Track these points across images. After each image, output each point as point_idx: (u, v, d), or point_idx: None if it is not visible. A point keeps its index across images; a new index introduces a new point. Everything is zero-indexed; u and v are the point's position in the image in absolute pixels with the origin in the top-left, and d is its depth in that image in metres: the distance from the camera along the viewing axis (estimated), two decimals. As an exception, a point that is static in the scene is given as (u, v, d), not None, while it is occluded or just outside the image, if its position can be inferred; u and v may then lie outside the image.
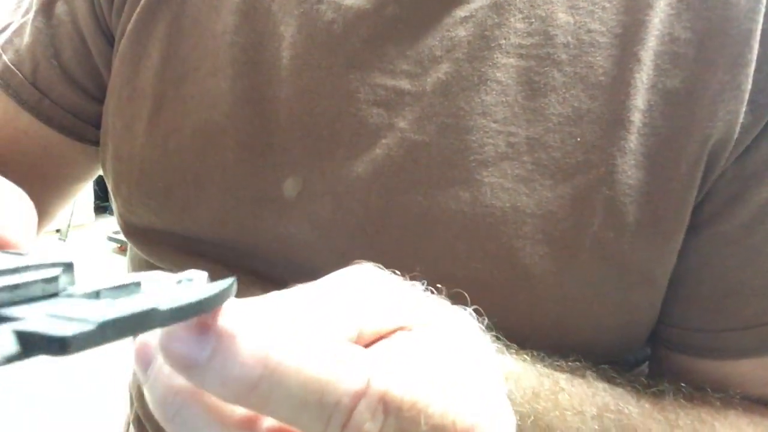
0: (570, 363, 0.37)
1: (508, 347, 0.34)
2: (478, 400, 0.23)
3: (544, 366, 0.36)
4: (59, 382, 2.37)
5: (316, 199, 0.42)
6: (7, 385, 2.29)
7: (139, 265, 0.52)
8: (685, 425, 0.39)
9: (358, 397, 0.20)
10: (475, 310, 0.29)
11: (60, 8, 0.51)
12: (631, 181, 0.39)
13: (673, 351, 0.45)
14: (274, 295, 0.24)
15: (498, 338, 0.33)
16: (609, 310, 0.41)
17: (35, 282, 0.18)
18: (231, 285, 0.21)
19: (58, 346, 0.15)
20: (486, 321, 0.30)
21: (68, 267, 0.20)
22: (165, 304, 0.18)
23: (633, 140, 0.38)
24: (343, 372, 0.20)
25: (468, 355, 0.25)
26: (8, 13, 0.53)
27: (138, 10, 0.47)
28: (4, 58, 0.51)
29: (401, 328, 0.24)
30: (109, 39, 0.50)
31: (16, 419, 2.15)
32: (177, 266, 0.47)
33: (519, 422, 0.31)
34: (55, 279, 0.19)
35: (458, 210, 0.39)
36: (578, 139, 0.39)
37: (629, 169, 0.39)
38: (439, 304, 0.27)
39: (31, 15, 0.51)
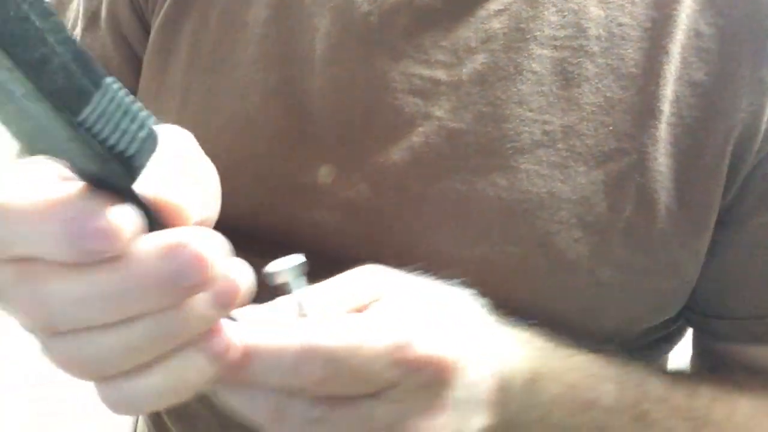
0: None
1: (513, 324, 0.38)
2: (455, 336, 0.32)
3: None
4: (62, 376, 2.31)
5: (351, 186, 0.42)
6: (8, 381, 2.23)
7: None
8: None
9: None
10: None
11: (102, 18, 0.50)
12: (661, 168, 0.40)
13: (728, 342, 0.47)
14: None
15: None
16: (638, 296, 0.42)
17: None
18: None
19: None
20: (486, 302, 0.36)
21: None
22: None
23: (663, 129, 0.40)
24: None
25: (437, 305, 0.33)
26: None
27: (167, 3, 0.47)
28: None
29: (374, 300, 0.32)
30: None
31: (17, 416, 2.09)
32: None
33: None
34: None
35: (495, 196, 0.40)
36: (610, 128, 0.40)
37: (660, 157, 0.40)
38: (415, 283, 0.34)
39: (78, 31, 0.51)
